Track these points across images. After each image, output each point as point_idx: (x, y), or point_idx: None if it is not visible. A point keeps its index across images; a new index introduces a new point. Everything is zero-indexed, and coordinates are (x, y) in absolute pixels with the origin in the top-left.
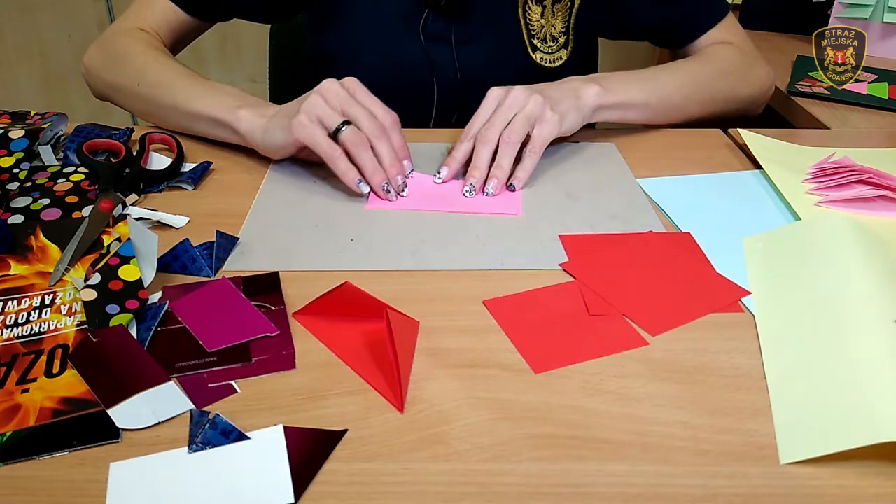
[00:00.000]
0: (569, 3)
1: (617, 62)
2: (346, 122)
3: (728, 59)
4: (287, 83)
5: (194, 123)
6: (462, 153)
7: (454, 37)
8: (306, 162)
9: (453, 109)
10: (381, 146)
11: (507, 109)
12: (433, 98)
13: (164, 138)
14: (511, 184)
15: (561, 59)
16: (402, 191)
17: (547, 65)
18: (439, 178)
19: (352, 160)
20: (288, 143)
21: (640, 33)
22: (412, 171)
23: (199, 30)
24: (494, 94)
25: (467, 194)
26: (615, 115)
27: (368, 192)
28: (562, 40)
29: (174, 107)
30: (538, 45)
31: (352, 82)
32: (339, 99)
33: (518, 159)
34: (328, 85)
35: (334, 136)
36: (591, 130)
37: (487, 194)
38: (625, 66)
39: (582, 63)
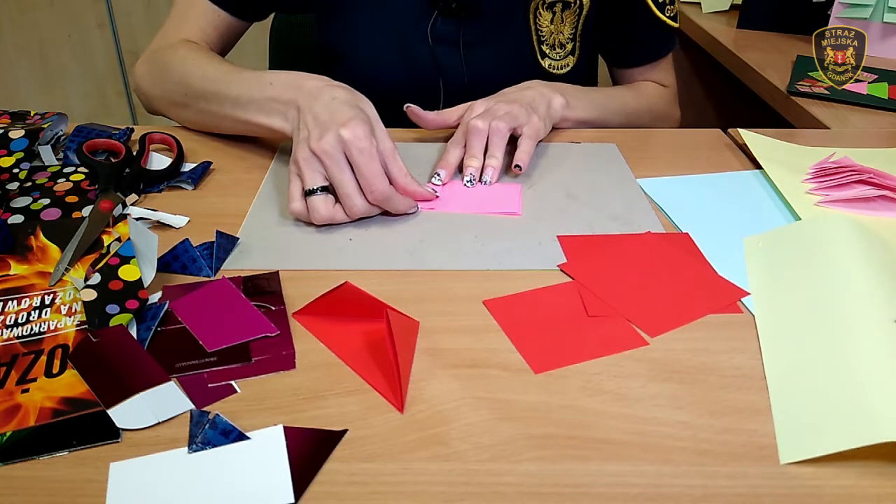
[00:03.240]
0: (577, 10)
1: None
2: (324, 189)
3: (658, 100)
4: None
5: (249, 130)
6: (455, 157)
7: (462, 39)
8: None
9: None
10: (353, 214)
11: (492, 112)
12: (439, 100)
13: (164, 138)
14: (517, 164)
15: (568, 65)
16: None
17: (555, 71)
18: (439, 180)
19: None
20: None
21: (601, 47)
22: (416, 210)
23: (243, 30)
24: (478, 103)
25: (468, 184)
26: (567, 125)
27: None
28: (569, 47)
29: (225, 116)
30: (547, 51)
31: (356, 133)
32: (325, 160)
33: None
34: (326, 146)
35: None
36: (591, 131)
37: (485, 183)
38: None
39: (586, 70)
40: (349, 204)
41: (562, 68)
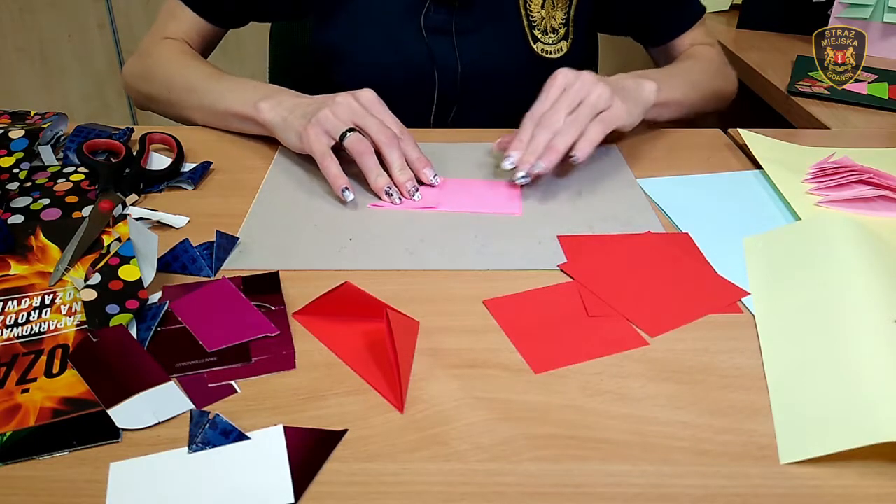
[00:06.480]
0: None
1: (617, 59)
2: (353, 130)
3: (714, 59)
4: (287, 83)
5: (224, 121)
6: (528, 136)
7: (455, 28)
8: (306, 161)
9: (453, 103)
10: (390, 153)
11: (574, 94)
12: (434, 91)
13: (164, 138)
14: (574, 155)
15: (561, 50)
16: (414, 195)
17: (548, 56)
18: (511, 163)
19: (358, 165)
20: (298, 147)
21: (621, 28)
22: (436, 175)
23: (222, 35)
24: (562, 75)
25: (521, 181)
26: (654, 112)
27: (354, 199)
28: (562, 31)
29: (203, 108)
30: (539, 36)
31: (367, 97)
32: (351, 111)
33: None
34: (342, 98)
35: (340, 142)
36: None
37: (538, 168)
38: (625, 62)
39: (582, 55)
40: (377, 126)
41: (555, 53)
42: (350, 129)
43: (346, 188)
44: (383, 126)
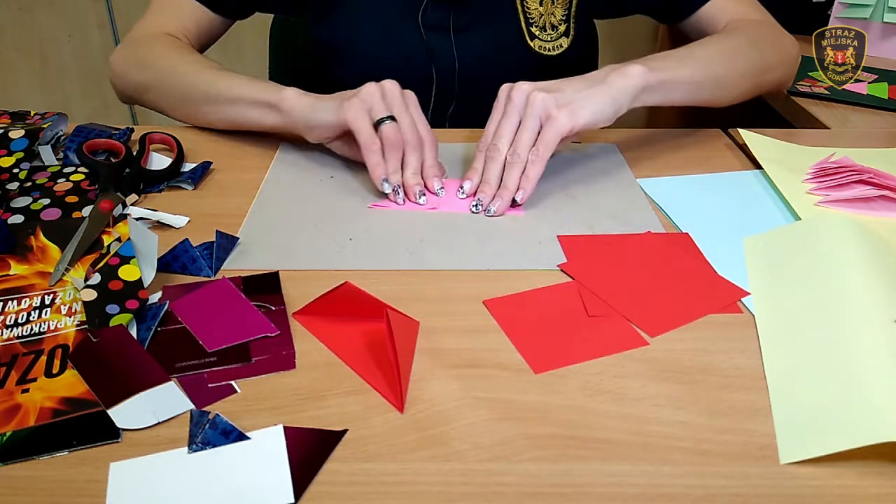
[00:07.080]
0: None
1: (616, 53)
2: (392, 118)
3: (754, 29)
4: (287, 83)
5: (235, 108)
6: (481, 166)
7: (452, 25)
8: (307, 161)
9: (451, 99)
10: (410, 156)
11: (512, 115)
12: (432, 87)
13: (164, 138)
14: (515, 196)
15: (561, 46)
16: (419, 199)
17: (546, 53)
18: (463, 192)
19: (385, 154)
20: (333, 123)
21: (642, 8)
22: (441, 188)
23: (223, 29)
24: (502, 92)
25: (474, 210)
26: (657, 96)
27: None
28: (562, 28)
29: (209, 96)
30: (536, 33)
31: (409, 95)
32: (394, 99)
33: None
34: (389, 86)
35: (376, 126)
36: (591, 131)
37: (489, 213)
38: (625, 56)
39: (583, 51)
40: (411, 125)
41: (554, 49)
42: (390, 117)
43: (386, 179)
44: (415, 128)
